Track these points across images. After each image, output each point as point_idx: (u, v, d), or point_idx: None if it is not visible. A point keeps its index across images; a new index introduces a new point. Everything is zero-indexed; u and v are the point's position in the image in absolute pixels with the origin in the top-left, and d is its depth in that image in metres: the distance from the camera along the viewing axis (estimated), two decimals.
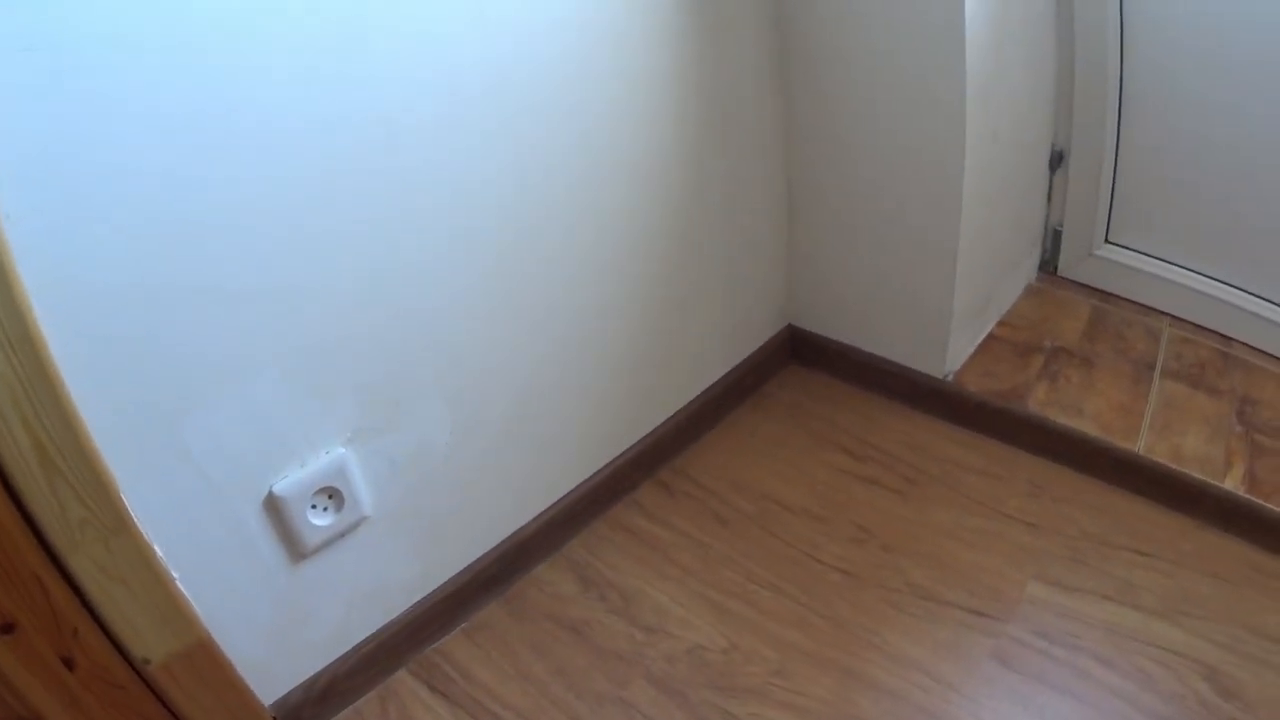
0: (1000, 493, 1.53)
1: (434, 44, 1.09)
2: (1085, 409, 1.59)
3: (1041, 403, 1.61)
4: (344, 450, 1.19)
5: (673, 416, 1.64)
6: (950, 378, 1.63)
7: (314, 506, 1.18)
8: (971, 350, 1.70)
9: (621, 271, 1.43)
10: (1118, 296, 1.82)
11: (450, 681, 1.35)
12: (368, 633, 1.33)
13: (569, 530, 1.54)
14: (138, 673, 1.07)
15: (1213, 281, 1.72)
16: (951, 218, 1.45)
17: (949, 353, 1.59)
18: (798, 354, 1.79)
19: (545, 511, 1.50)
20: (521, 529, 1.47)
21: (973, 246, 1.52)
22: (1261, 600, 1.35)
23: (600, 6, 1.25)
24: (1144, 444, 1.52)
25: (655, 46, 1.34)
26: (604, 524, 1.55)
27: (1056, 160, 1.76)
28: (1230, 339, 1.72)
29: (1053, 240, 1.84)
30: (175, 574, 1.05)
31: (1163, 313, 1.77)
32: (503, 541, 1.46)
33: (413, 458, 1.28)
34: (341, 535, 1.23)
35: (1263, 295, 1.67)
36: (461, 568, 1.42)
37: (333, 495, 1.19)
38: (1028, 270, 1.85)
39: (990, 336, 1.75)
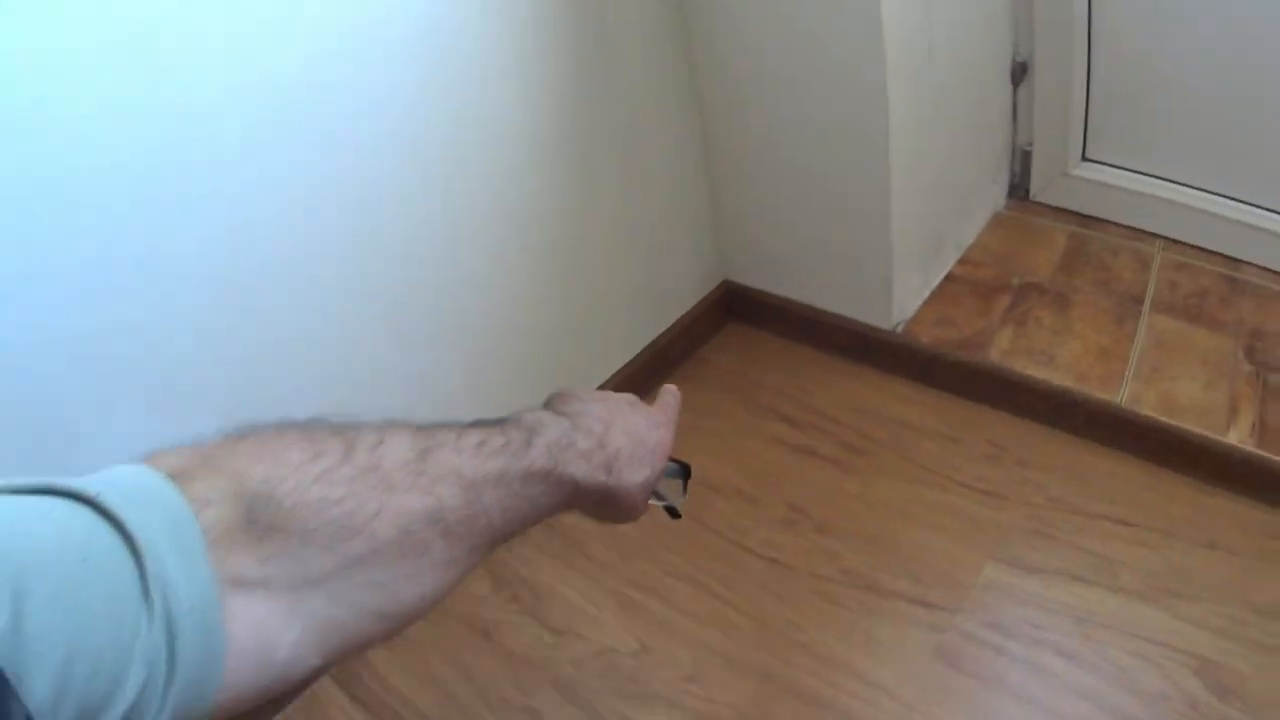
0: (955, 458, 1.35)
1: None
2: (1057, 356, 1.40)
3: (1005, 351, 1.41)
4: None
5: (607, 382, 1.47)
6: (900, 328, 1.46)
7: None
8: (925, 296, 1.52)
9: (501, 250, 1.25)
10: (1101, 220, 1.61)
11: None
12: None
13: None
14: None
15: (1214, 196, 1.50)
16: (879, 147, 1.26)
17: (895, 301, 1.42)
18: (735, 311, 1.64)
19: None
20: None
21: (910, 177, 1.33)
22: (1272, 573, 1.15)
23: None
24: (1127, 394, 1.32)
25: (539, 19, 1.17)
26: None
27: (1019, 72, 1.55)
28: (1237, 261, 1.50)
29: (1022, 162, 1.64)
30: None
31: (1155, 235, 1.56)
32: None
33: None
34: None
35: (1275, 209, 1.43)
36: None
37: None
38: (994, 198, 1.65)
39: (948, 278, 1.56)
